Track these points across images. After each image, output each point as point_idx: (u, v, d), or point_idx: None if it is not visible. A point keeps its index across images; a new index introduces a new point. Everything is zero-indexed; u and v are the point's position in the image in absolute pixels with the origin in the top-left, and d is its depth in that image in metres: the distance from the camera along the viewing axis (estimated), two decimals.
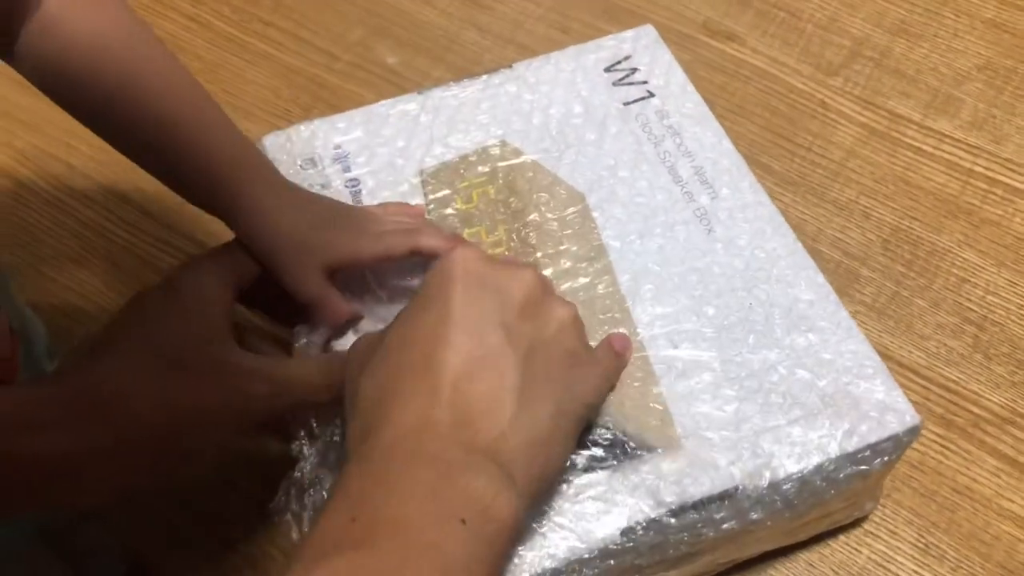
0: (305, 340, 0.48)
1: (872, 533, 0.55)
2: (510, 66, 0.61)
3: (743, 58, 0.77)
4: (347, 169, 0.56)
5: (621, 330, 0.48)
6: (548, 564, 0.42)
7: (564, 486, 0.44)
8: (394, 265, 0.50)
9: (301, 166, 0.56)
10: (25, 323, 0.56)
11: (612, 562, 0.43)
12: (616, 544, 0.43)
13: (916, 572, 0.54)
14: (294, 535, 0.44)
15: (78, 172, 0.72)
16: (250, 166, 0.48)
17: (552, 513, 0.43)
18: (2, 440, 0.39)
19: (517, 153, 0.56)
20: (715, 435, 0.45)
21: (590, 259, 0.52)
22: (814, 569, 0.54)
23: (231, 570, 0.55)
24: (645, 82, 0.60)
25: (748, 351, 0.48)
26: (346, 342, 0.49)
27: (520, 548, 0.42)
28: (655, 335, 0.49)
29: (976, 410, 0.60)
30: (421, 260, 0.49)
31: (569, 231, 0.53)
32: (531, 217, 0.53)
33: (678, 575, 0.48)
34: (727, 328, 0.49)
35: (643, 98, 0.59)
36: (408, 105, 0.59)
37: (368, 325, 0.49)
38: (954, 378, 0.61)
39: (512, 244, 0.52)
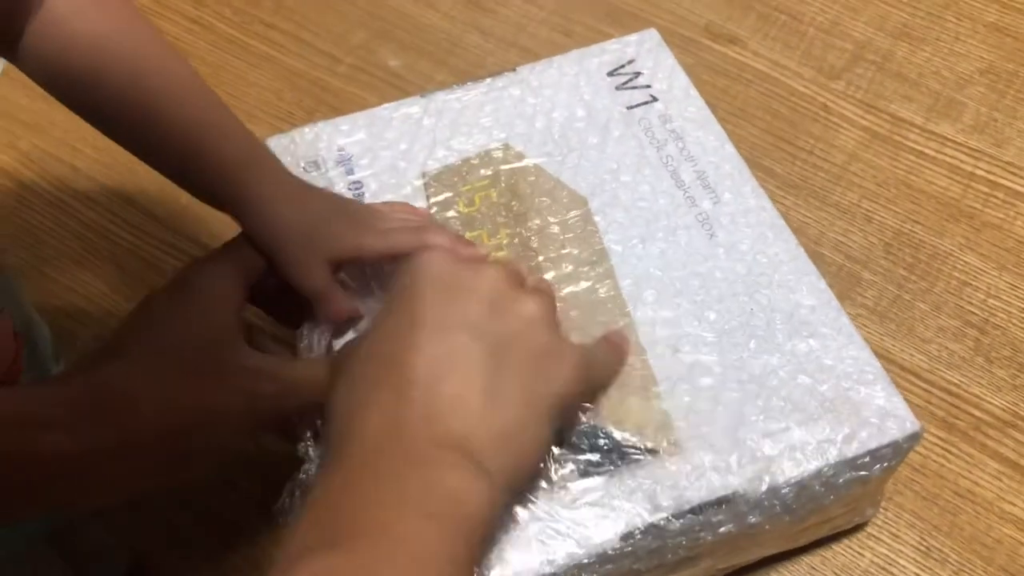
0: (307, 340, 0.48)
1: (874, 536, 0.56)
2: (513, 69, 0.61)
3: (745, 61, 0.77)
4: (350, 172, 0.56)
5: None
6: (547, 570, 0.42)
7: (562, 492, 0.44)
8: (395, 266, 0.50)
9: (304, 168, 0.56)
10: (30, 325, 0.56)
11: (611, 567, 0.43)
12: (615, 549, 0.43)
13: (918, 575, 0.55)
14: None
15: (82, 174, 0.73)
16: (257, 159, 0.48)
17: (550, 519, 0.43)
18: (5, 440, 0.39)
19: (520, 157, 0.57)
20: (714, 440, 0.45)
21: (592, 263, 0.52)
22: (816, 572, 0.54)
23: (231, 570, 0.55)
24: (648, 86, 0.60)
25: (749, 356, 0.48)
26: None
27: (518, 554, 0.42)
28: (656, 339, 0.49)
29: (978, 413, 0.60)
30: None
31: (571, 235, 0.53)
32: (533, 221, 0.54)
33: None
34: (728, 333, 0.49)
35: (646, 102, 0.59)
36: (411, 108, 0.59)
37: (368, 325, 0.49)
38: (956, 381, 0.61)
39: (514, 248, 0.53)
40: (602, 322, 0.49)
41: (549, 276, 0.51)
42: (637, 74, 0.60)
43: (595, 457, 0.45)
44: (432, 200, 0.55)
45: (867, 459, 0.46)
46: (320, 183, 0.55)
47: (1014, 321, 0.63)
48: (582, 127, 0.58)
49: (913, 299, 0.64)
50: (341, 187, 0.55)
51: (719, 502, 0.44)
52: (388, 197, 0.55)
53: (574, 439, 0.45)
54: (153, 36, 0.48)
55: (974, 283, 0.65)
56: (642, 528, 0.43)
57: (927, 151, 0.71)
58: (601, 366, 0.46)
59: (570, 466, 0.44)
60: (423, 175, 0.56)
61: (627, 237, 0.53)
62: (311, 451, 0.45)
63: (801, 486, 0.45)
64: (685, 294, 0.50)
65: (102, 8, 0.46)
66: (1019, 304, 0.64)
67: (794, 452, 0.45)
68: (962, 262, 0.66)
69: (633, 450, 0.45)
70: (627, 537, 0.43)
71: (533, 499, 0.43)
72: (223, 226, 0.48)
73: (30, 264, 0.68)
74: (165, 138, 0.47)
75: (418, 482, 0.36)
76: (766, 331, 0.49)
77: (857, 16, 0.79)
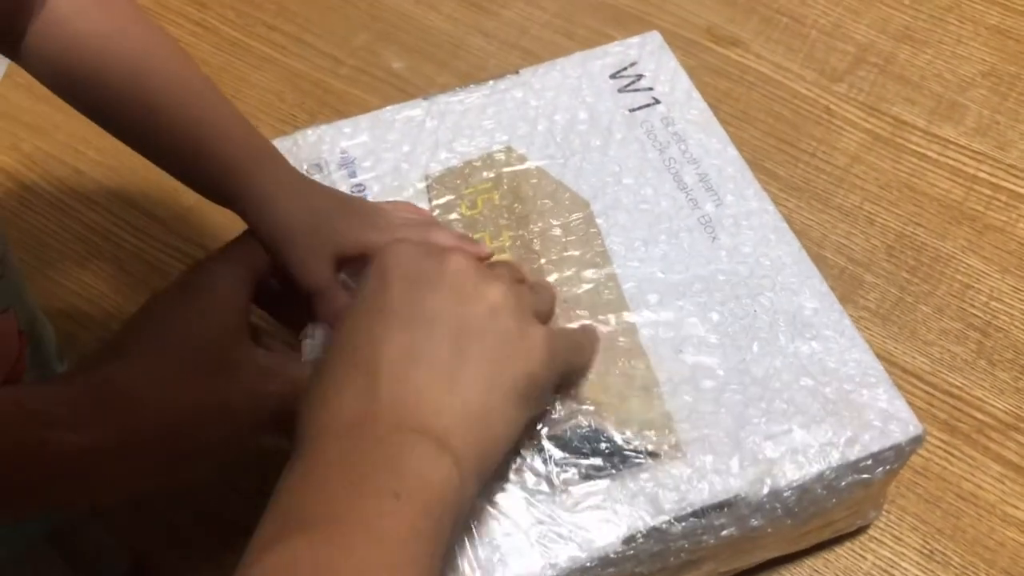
0: (311, 340, 0.48)
1: (877, 539, 0.55)
2: (516, 72, 0.61)
3: (747, 64, 0.77)
4: (353, 174, 0.56)
5: (623, 339, 0.49)
6: (549, 573, 0.42)
7: (564, 496, 0.44)
8: None
9: (307, 171, 0.56)
10: (35, 324, 0.56)
11: (613, 570, 0.43)
12: (617, 552, 0.43)
13: None
14: None
15: (85, 176, 0.73)
16: (261, 155, 0.48)
17: (552, 522, 0.43)
18: (8, 438, 0.39)
19: (522, 159, 0.57)
20: (716, 442, 0.45)
21: (594, 265, 0.52)
22: (818, 575, 0.54)
23: (231, 570, 0.55)
24: (651, 88, 0.60)
25: (751, 358, 0.48)
26: None
27: (520, 558, 0.42)
28: (658, 341, 0.49)
29: (980, 416, 0.60)
30: None
31: (573, 237, 0.53)
32: (535, 223, 0.54)
33: None
34: (731, 335, 0.49)
35: (648, 105, 0.59)
36: (414, 110, 0.59)
37: None
38: (958, 384, 0.61)
39: (516, 250, 0.53)
40: (603, 322, 0.49)
41: (551, 278, 0.51)
42: (639, 76, 0.60)
43: (597, 461, 0.45)
44: (434, 203, 0.55)
45: (869, 462, 0.46)
46: None
47: (1016, 324, 0.63)
48: (584, 130, 0.58)
49: (916, 302, 0.64)
50: (343, 189, 0.55)
51: (721, 505, 0.44)
52: (391, 199, 0.55)
53: (575, 443, 0.45)
54: (156, 34, 0.48)
55: (977, 286, 0.65)
56: (644, 531, 0.43)
57: (929, 154, 0.71)
58: (572, 349, 0.46)
59: (572, 470, 0.44)
60: (425, 177, 0.56)
61: (629, 239, 0.53)
62: None
63: (803, 489, 0.45)
64: (687, 296, 0.50)
65: (105, 8, 0.46)
66: (1021, 307, 0.64)
67: (796, 455, 0.45)
68: (965, 265, 0.66)
69: (634, 453, 0.45)
70: (629, 540, 0.43)
71: (535, 503, 0.43)
72: (226, 229, 0.48)
73: (33, 266, 0.68)
74: (169, 136, 0.47)
75: (384, 465, 0.36)
76: (768, 333, 0.49)
77: (859, 19, 0.79)
